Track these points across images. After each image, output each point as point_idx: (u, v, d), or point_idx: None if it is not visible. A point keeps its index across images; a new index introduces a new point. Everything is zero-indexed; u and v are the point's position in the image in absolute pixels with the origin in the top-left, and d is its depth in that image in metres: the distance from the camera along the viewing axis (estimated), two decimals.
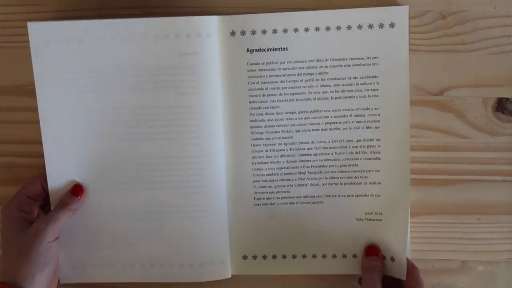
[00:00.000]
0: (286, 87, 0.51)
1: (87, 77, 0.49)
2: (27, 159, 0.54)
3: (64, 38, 0.49)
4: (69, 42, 0.49)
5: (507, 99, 0.51)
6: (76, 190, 0.50)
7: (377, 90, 0.50)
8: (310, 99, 0.51)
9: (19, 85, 0.53)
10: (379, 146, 0.51)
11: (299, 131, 0.51)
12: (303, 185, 0.52)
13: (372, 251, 0.51)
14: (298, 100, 0.51)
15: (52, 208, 0.50)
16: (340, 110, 0.51)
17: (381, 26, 0.49)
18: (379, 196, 0.51)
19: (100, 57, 0.49)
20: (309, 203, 0.52)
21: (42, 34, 0.48)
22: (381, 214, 0.51)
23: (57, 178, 0.50)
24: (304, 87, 0.50)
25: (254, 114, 0.51)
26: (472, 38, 0.50)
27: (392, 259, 0.51)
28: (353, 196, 0.52)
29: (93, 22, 0.49)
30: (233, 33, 0.50)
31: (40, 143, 0.50)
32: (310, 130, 0.51)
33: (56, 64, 0.49)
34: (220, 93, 0.50)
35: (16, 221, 0.48)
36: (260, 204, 0.52)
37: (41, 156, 0.51)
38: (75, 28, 0.49)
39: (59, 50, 0.49)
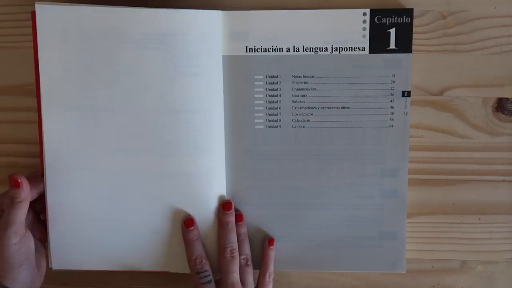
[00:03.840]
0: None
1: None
2: (27, 159, 0.54)
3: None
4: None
5: (507, 99, 0.51)
6: (13, 181, 0.47)
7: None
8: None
9: (19, 85, 0.53)
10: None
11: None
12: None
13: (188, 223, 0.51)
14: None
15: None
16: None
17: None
18: None
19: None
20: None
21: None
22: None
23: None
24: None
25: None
26: (472, 38, 0.50)
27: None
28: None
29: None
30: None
31: (40, 143, 0.50)
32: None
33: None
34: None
35: None
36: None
37: (40, 156, 0.51)
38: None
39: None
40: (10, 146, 0.54)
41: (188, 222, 0.50)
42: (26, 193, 0.47)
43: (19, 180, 0.46)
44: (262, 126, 0.51)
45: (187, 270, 0.51)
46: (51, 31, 0.48)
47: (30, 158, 0.53)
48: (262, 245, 0.52)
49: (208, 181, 0.51)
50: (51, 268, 0.52)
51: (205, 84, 0.49)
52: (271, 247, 0.52)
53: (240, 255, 0.50)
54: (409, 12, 0.49)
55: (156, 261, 0.52)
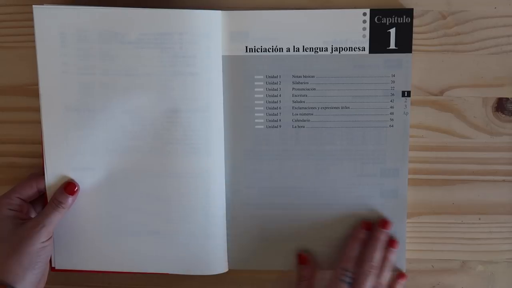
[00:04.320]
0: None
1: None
2: (27, 159, 0.54)
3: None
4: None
5: (507, 99, 0.51)
6: (69, 187, 0.49)
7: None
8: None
9: (19, 85, 0.53)
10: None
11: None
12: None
13: (301, 259, 0.52)
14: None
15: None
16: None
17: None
18: None
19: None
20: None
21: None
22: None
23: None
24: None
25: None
26: (472, 38, 0.50)
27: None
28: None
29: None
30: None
31: (40, 143, 0.50)
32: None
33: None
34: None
35: (6, 220, 0.47)
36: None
37: (41, 156, 0.51)
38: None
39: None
40: (11, 146, 0.54)
41: (366, 225, 0.51)
42: (73, 203, 0.50)
43: (75, 189, 0.50)
44: (262, 126, 0.51)
45: (187, 272, 0.51)
46: (49, 33, 0.48)
47: (31, 158, 0.53)
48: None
49: (208, 181, 0.51)
50: (54, 267, 0.52)
51: (205, 84, 0.49)
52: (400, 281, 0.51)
53: (378, 277, 0.50)
54: (409, 12, 0.49)
55: (156, 263, 0.52)
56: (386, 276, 0.50)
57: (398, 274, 0.52)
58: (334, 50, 0.50)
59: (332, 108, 0.51)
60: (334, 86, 0.50)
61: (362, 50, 0.50)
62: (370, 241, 0.50)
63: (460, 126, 0.52)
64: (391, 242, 0.51)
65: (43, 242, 0.47)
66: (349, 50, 0.50)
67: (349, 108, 0.51)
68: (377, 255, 0.49)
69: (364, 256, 0.49)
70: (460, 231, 0.53)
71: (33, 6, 0.48)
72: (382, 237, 0.50)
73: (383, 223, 0.51)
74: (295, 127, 0.51)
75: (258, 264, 0.53)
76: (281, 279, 0.54)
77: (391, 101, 0.50)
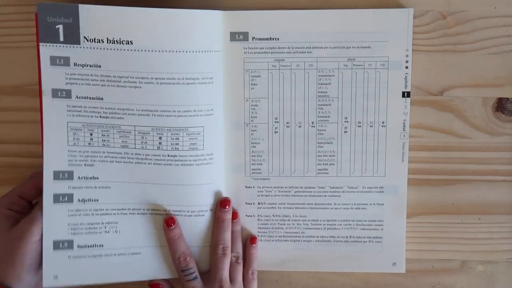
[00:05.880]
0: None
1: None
2: (27, 159, 0.54)
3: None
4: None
5: (507, 99, 0.51)
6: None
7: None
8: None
9: (19, 85, 0.53)
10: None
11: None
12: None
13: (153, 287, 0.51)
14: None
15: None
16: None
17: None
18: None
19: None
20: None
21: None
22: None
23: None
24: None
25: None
26: (472, 38, 0.50)
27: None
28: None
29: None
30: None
31: (40, 143, 0.50)
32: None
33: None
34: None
35: (3, 220, 0.47)
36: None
37: (41, 156, 0.51)
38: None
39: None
40: (11, 146, 0.54)
41: (168, 221, 0.50)
42: None
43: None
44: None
45: None
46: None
47: (31, 158, 0.53)
48: (245, 243, 0.52)
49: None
50: None
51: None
52: (253, 245, 0.52)
53: (231, 252, 0.50)
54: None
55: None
56: (238, 245, 0.51)
57: (251, 239, 0.52)
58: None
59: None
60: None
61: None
62: (215, 225, 0.51)
63: (460, 126, 0.52)
64: (232, 215, 0.51)
65: (35, 241, 0.46)
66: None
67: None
68: (227, 235, 0.50)
69: (214, 242, 0.50)
70: (460, 231, 0.53)
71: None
72: (225, 216, 0.50)
73: (223, 202, 0.51)
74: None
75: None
76: (281, 279, 0.54)
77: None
